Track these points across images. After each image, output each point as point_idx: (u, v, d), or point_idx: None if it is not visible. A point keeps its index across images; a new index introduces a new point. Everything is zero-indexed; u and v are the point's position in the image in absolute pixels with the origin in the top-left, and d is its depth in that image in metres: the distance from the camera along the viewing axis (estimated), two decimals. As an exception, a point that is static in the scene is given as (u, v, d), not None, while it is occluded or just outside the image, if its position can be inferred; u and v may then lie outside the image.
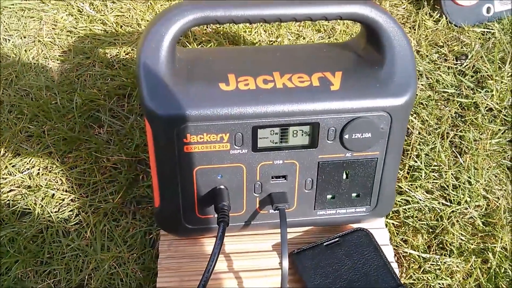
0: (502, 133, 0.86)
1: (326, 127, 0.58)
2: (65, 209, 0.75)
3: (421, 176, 0.79)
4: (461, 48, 1.00)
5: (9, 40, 1.00)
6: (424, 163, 0.81)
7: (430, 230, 0.74)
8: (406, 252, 0.71)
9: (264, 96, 0.56)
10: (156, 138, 0.57)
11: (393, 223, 0.75)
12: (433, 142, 0.84)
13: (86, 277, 0.69)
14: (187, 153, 0.57)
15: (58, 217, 0.74)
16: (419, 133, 0.85)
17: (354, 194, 0.64)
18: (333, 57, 0.62)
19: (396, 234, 0.74)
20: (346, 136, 0.58)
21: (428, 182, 0.79)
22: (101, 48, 0.97)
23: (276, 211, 0.61)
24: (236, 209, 0.62)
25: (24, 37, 1.01)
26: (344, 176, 0.62)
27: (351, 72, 0.59)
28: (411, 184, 0.79)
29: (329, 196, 0.64)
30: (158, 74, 0.55)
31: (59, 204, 0.76)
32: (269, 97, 0.56)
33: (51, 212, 0.74)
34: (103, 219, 0.74)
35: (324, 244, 0.65)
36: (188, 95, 0.55)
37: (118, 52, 0.96)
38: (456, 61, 0.98)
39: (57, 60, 0.96)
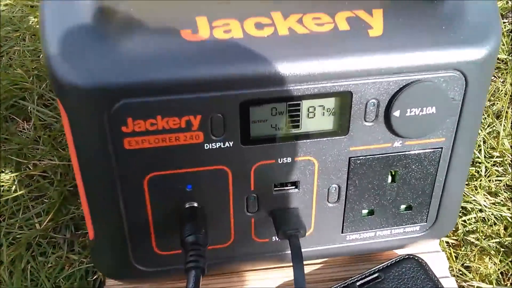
0: None
1: (363, 100, 0.35)
2: (-33, 242, 0.51)
3: (480, 171, 0.57)
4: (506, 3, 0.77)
5: None
6: (484, 153, 0.58)
7: (503, 249, 0.51)
8: (473, 286, 0.49)
9: (258, 48, 0.33)
10: (75, 128, 0.33)
11: (447, 242, 0.52)
12: (490, 125, 0.61)
13: None
14: (129, 150, 0.33)
15: (-45, 255, 0.50)
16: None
17: (403, 206, 0.41)
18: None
19: (455, 259, 0.51)
20: (396, 114, 0.35)
21: (490, 180, 0.56)
22: (33, 17, 0.73)
23: (283, 240, 0.38)
24: (219, 238, 0.39)
25: None
26: (390, 179, 0.39)
27: (398, 8, 0.36)
28: (467, 184, 0.56)
29: (365, 212, 0.41)
30: (75, 17, 0.32)
31: (-40, 234, 0.52)
32: (267, 50, 0.33)
33: None
34: (26, 254, 0.50)
35: (358, 283, 0.42)
36: (128, 51, 0.32)
37: (55, 20, 0.72)
38: (503, 19, 0.75)
39: (-25, 34, 0.72)
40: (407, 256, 0.44)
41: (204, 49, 0.32)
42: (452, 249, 0.51)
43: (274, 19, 0.34)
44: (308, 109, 0.35)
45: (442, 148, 0.38)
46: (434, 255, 0.47)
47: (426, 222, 0.42)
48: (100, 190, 0.35)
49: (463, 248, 0.51)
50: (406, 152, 0.38)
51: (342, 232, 0.41)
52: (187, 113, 0.33)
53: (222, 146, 0.34)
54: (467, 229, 0.53)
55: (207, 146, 0.34)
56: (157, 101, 0.32)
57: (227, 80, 0.32)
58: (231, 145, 0.35)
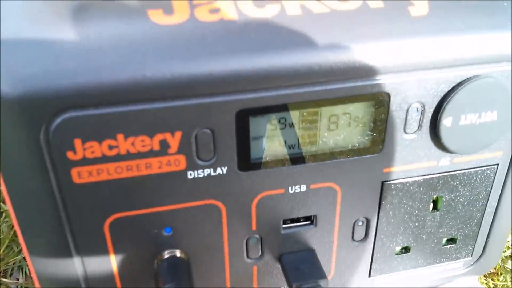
0: None
1: (404, 104, 0.25)
2: None
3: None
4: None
5: None
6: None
7: (553, 280, 0.42)
8: (521, 327, 0.40)
9: (259, 34, 0.23)
10: (2, 156, 0.23)
11: (484, 271, 0.43)
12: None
13: None
14: (81, 185, 0.23)
15: None
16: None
17: (445, 240, 0.32)
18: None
19: (494, 292, 0.42)
20: (447, 122, 0.26)
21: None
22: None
23: (296, 293, 0.28)
24: (209, 293, 0.29)
25: None
26: (431, 207, 0.30)
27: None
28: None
29: (398, 249, 0.31)
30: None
31: None
32: (272, 36, 0.23)
33: None
34: (-36, 308, 0.40)
35: (388, 338, 0.33)
36: (72, 42, 0.22)
37: None
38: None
39: None
40: (446, 298, 0.35)
41: (182, 36, 0.22)
42: (490, 280, 0.43)
43: (280, -4, 0.25)
44: (329, 118, 0.25)
45: (498, 164, 0.29)
46: (472, 291, 0.38)
47: (471, 256, 0.33)
48: (44, 239, 0.25)
49: (502, 277, 0.43)
50: (455, 172, 0.29)
51: (369, 275, 0.32)
52: (161, 129, 0.23)
53: (212, 173, 0.25)
54: (505, 254, 0.44)
55: (191, 174, 0.25)
56: (117, 114, 0.22)
57: (217, 80, 0.22)
58: (224, 172, 0.25)
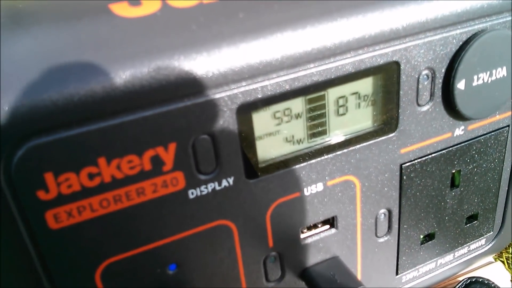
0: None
1: (415, 72, 0.23)
2: None
3: None
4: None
5: None
6: None
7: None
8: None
9: (247, 12, 0.20)
10: None
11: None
12: None
13: None
14: (60, 231, 0.19)
15: None
16: None
17: (467, 217, 0.29)
18: None
19: (508, 266, 0.40)
20: (461, 85, 0.24)
21: None
22: None
23: (329, 311, 0.24)
24: (229, 332, 0.25)
25: None
26: (449, 183, 0.27)
27: None
28: None
29: (422, 237, 0.28)
30: None
31: None
32: (262, 17, 0.20)
33: None
34: None
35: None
36: (28, 49, 0.17)
37: None
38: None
39: None
40: (472, 279, 0.33)
41: (158, 27, 0.19)
42: (504, 255, 0.41)
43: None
44: (337, 101, 0.22)
45: (508, 126, 0.27)
46: (491, 268, 0.36)
47: (492, 231, 0.31)
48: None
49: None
50: (470, 141, 0.26)
51: (397, 274, 0.28)
52: (151, 143, 0.19)
53: (217, 187, 0.21)
54: None
55: (192, 193, 0.20)
56: (94, 132, 0.18)
57: (211, 73, 0.18)
58: (231, 183, 0.21)
